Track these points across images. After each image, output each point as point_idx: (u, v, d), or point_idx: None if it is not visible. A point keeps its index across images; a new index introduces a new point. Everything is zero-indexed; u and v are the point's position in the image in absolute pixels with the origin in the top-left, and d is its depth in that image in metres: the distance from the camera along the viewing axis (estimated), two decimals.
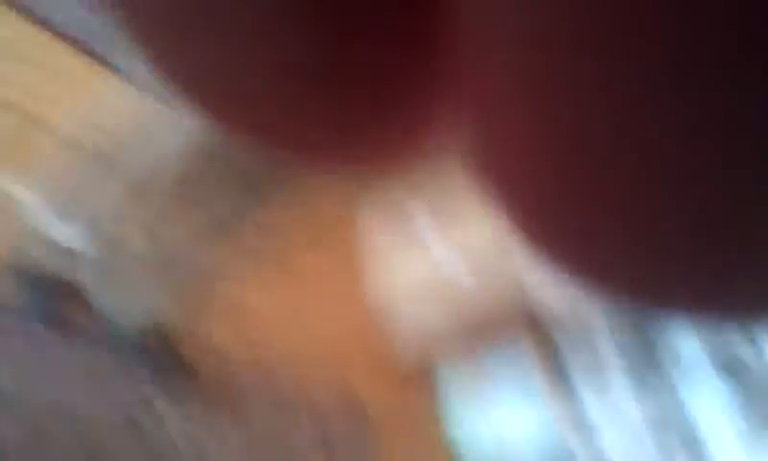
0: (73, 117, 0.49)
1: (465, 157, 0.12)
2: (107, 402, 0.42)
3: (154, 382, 0.43)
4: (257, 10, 0.11)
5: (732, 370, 0.47)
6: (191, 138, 0.50)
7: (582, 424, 0.48)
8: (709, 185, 0.09)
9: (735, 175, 0.09)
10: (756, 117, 0.09)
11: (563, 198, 0.11)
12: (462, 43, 0.11)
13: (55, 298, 0.44)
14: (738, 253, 0.10)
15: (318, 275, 0.45)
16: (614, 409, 0.47)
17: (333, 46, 0.11)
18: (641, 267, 0.11)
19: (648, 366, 0.48)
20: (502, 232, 0.12)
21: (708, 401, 0.47)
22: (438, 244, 0.45)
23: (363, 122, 0.13)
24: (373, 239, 0.43)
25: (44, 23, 0.50)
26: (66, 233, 0.45)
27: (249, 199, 0.47)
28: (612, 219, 0.11)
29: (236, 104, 0.13)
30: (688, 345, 0.47)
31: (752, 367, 0.47)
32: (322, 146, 0.13)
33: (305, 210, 0.46)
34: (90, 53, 0.49)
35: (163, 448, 0.41)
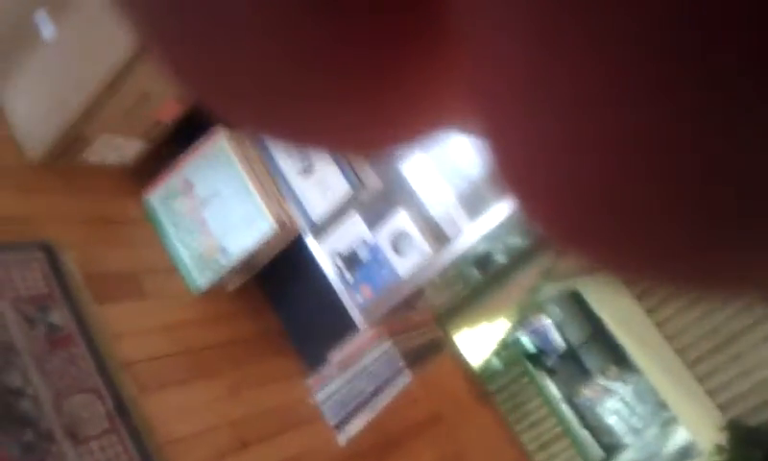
0: None
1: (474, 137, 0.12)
2: None
3: None
4: (268, 10, 0.11)
5: None
6: None
7: None
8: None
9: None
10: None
11: (568, 185, 0.11)
12: (462, 39, 0.11)
13: None
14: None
15: None
16: None
17: (336, 43, 0.11)
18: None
19: None
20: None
21: None
22: None
23: (366, 112, 0.13)
24: None
25: None
26: None
27: None
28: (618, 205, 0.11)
29: (252, 101, 0.13)
30: None
31: None
32: (327, 132, 0.13)
33: None
34: None
35: None
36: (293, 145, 0.14)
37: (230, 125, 0.14)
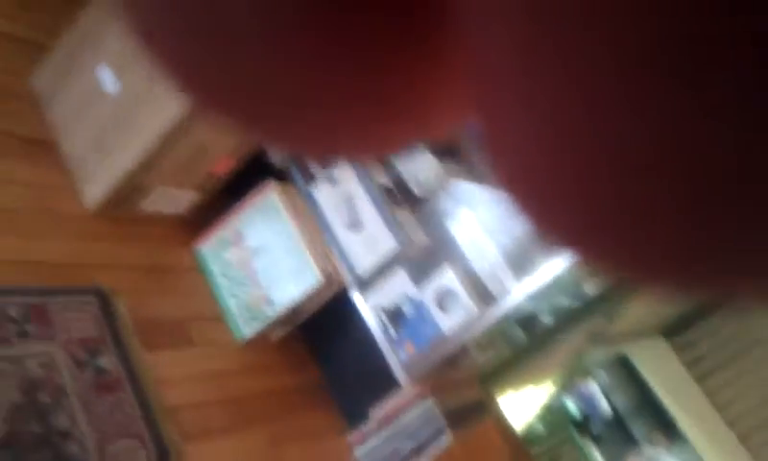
0: None
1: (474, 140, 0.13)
2: None
3: None
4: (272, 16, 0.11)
5: None
6: None
7: None
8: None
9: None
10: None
11: (562, 182, 0.11)
12: (462, 39, 0.11)
13: None
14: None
15: None
16: None
17: (337, 45, 0.12)
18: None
19: None
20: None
21: None
22: None
23: (369, 111, 0.13)
24: None
25: None
26: None
27: None
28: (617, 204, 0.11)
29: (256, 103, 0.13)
30: None
31: None
32: (329, 136, 0.13)
33: None
34: None
35: None
36: (295, 150, 0.14)
37: (231, 128, 0.14)
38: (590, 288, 2.07)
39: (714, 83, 0.09)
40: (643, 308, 2.89)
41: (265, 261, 2.13)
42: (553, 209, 0.12)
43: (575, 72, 0.10)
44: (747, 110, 0.09)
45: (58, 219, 1.90)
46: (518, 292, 1.83)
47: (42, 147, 2.00)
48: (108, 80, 1.98)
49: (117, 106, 1.97)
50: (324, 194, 2.08)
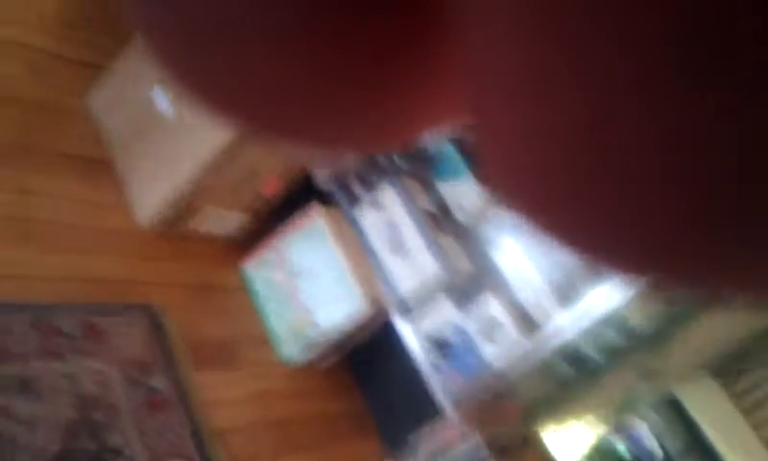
0: None
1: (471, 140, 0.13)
2: None
3: None
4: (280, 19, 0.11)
5: None
6: None
7: None
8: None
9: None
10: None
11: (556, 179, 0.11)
12: (461, 39, 0.11)
13: None
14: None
15: None
16: None
17: (339, 46, 0.12)
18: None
19: None
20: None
21: None
22: None
23: (367, 110, 0.13)
24: None
25: None
26: None
27: None
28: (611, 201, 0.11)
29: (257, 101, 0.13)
30: None
31: None
32: (331, 132, 0.14)
33: None
34: None
35: None
36: (301, 146, 0.14)
37: (234, 126, 0.14)
38: (639, 324, 2.02)
39: (721, 83, 0.09)
40: (694, 347, 2.81)
41: (310, 284, 2.14)
42: (561, 208, 0.12)
43: (579, 70, 0.10)
44: (751, 111, 0.09)
45: (111, 236, 1.95)
46: (564, 323, 1.80)
47: (98, 165, 2.06)
48: (163, 101, 2.04)
49: (171, 127, 2.03)
50: (368, 218, 2.09)
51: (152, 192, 2.04)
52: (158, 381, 1.79)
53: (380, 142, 0.14)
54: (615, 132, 0.10)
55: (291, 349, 2.15)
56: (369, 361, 2.34)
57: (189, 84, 0.13)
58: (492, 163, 0.12)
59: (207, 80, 0.13)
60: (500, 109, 0.11)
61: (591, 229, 0.12)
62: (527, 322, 1.85)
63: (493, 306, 1.88)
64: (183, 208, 2.06)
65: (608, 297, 1.73)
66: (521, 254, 1.89)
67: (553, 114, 0.10)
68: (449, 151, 2.01)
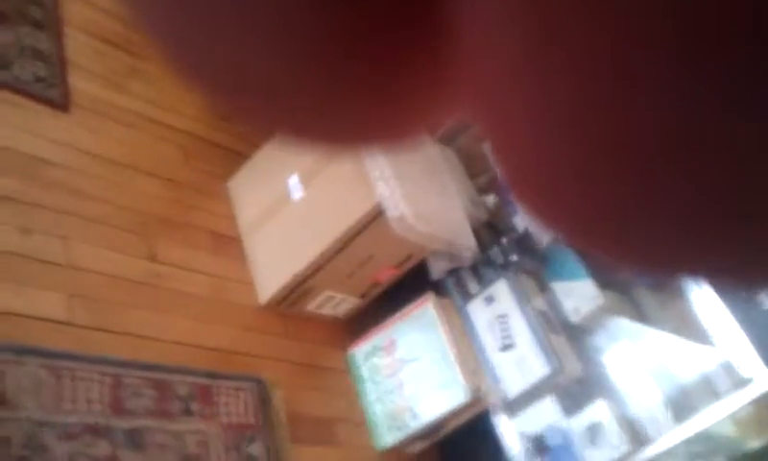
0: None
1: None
2: None
3: None
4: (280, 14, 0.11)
5: None
6: None
7: None
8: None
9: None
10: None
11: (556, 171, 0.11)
12: (463, 38, 0.11)
13: None
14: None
15: None
16: None
17: (340, 45, 0.11)
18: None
19: None
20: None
21: None
22: None
23: (371, 105, 0.13)
24: None
25: None
26: None
27: None
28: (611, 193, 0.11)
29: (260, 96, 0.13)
30: None
31: None
32: (331, 127, 0.13)
33: None
34: None
35: None
36: (303, 141, 0.14)
37: (237, 120, 0.14)
38: (756, 444, 1.84)
39: (723, 74, 0.09)
40: None
41: (414, 372, 2.15)
42: (567, 204, 0.12)
43: (582, 68, 0.10)
44: (752, 102, 0.09)
45: (232, 309, 2.07)
46: (676, 438, 1.68)
47: (229, 242, 2.21)
48: (295, 189, 2.18)
49: (299, 212, 2.15)
50: (479, 312, 2.08)
51: (274, 271, 2.15)
52: (257, 449, 1.84)
53: (383, 138, 0.14)
54: (616, 118, 0.10)
55: (386, 434, 2.14)
56: (460, 451, 2.28)
57: (190, 73, 0.13)
58: (497, 148, 0.12)
59: (209, 70, 0.13)
60: (503, 109, 0.11)
61: (596, 225, 0.12)
62: (637, 432, 1.74)
63: (602, 413, 1.79)
64: (301, 290, 2.15)
65: (724, 412, 1.60)
66: (637, 365, 1.80)
67: (558, 112, 0.10)
68: (565, 251, 1.98)
